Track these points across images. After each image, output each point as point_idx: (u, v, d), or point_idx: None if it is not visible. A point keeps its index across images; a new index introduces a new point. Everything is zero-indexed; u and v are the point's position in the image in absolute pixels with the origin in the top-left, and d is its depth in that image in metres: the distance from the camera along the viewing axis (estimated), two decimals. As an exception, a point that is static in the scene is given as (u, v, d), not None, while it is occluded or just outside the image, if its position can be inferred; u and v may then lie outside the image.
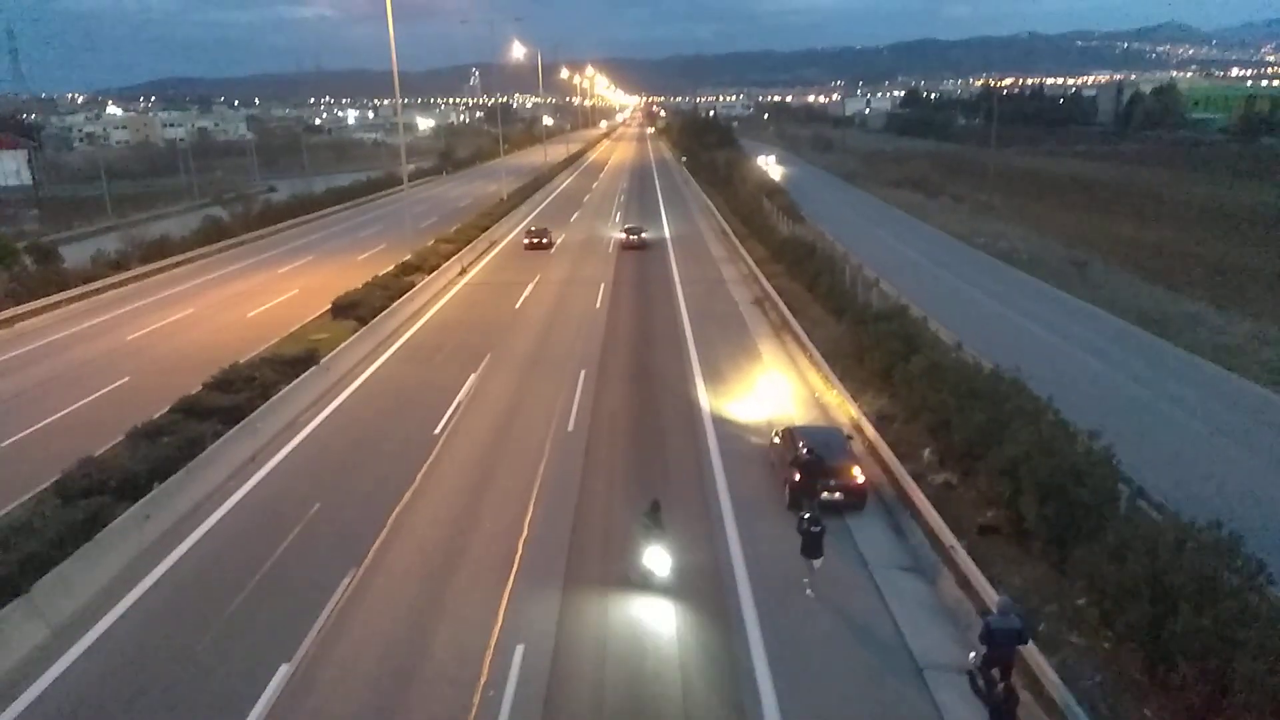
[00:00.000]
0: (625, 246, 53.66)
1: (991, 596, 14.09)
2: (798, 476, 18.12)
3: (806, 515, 15.83)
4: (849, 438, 20.86)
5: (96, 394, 27.87)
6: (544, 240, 54.97)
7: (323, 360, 28.31)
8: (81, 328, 37.28)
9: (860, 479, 18.77)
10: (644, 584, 15.79)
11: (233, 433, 22.00)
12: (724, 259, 49.77)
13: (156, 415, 22.98)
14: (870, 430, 22.13)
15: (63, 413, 26.22)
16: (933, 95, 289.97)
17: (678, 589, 15.75)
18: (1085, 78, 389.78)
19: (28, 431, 24.77)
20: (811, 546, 15.69)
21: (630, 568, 16.20)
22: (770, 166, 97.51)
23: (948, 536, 16.56)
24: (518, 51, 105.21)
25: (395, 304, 36.40)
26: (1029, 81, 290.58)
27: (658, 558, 15.74)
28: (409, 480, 20.62)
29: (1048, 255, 50.04)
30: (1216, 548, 13.52)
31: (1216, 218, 63.99)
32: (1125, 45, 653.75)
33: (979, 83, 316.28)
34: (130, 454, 20.37)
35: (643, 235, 54.74)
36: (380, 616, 15.21)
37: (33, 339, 35.71)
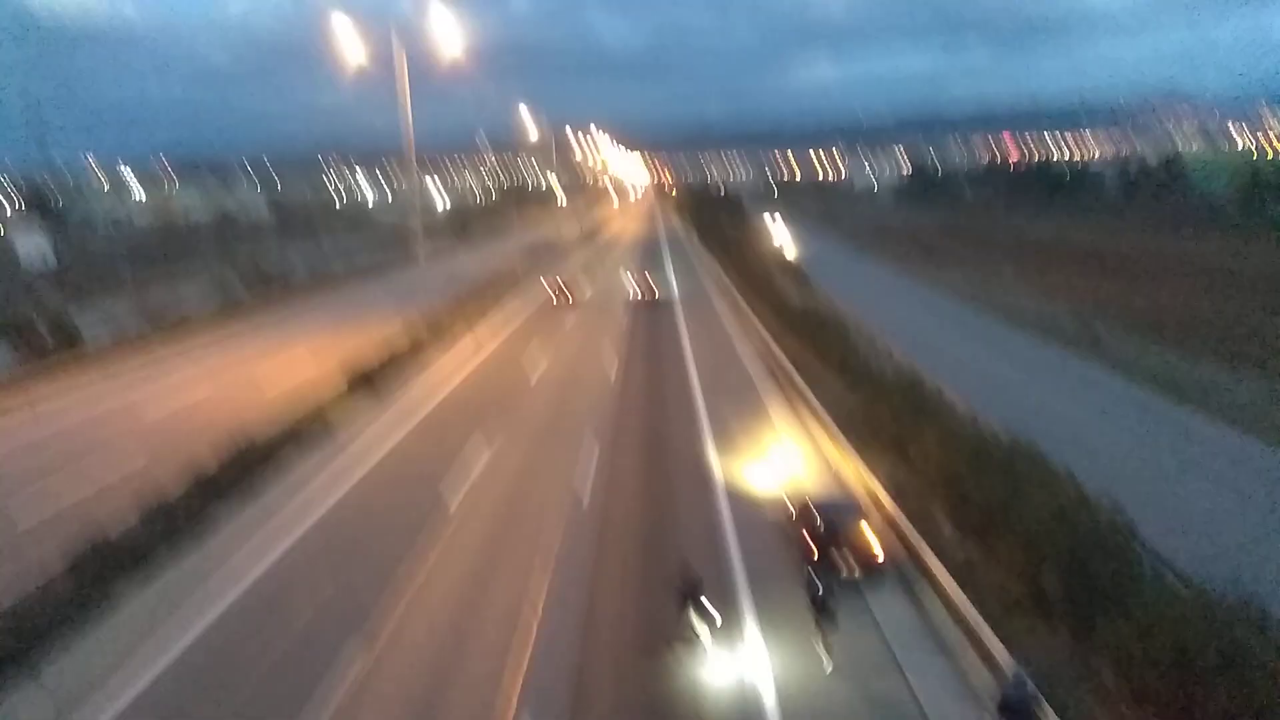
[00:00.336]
0: (640, 303, 58.40)
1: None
2: (814, 548, 17.89)
3: (816, 579, 15.78)
4: (865, 509, 20.64)
5: (111, 470, 27.90)
6: (568, 292, 61.20)
7: (335, 431, 28.40)
8: (98, 403, 37.58)
9: (878, 552, 18.51)
10: (688, 650, 15.43)
11: (244, 507, 21.99)
12: (735, 329, 49.95)
13: (170, 491, 22.97)
14: (886, 500, 21.88)
15: (77, 489, 26.22)
16: (939, 166, 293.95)
17: (692, 659, 15.47)
18: (1090, 145, 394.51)
19: (42, 508, 24.74)
20: (823, 611, 15.58)
21: (675, 636, 15.84)
22: (785, 242, 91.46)
23: (969, 610, 16.24)
24: (531, 128, 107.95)
25: (409, 375, 36.63)
26: (1034, 150, 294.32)
27: (700, 623, 15.47)
28: (422, 554, 20.45)
29: (1059, 320, 50.11)
30: (1244, 618, 13.23)
31: (1227, 282, 64.07)
32: (1129, 113, 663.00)
33: (985, 151, 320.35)
34: (144, 531, 20.33)
35: (655, 292, 59.70)
36: (390, 693, 14.96)
37: (49, 414, 35.98)
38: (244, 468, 24.86)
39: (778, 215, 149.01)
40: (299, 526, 22.51)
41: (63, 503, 24.86)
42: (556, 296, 60.20)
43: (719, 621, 15.63)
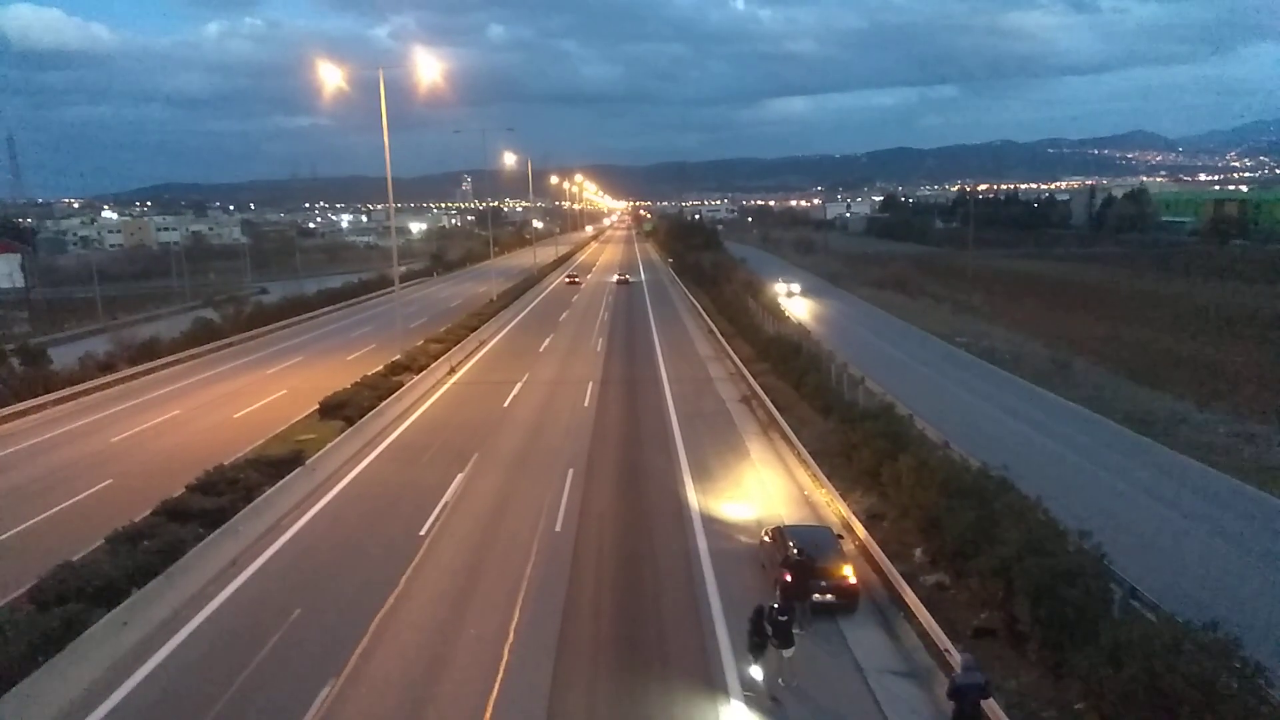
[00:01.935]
0: (619, 283, 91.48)
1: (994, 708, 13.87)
2: (788, 577, 17.88)
3: (774, 605, 15.72)
4: (839, 537, 20.72)
5: (78, 497, 27.48)
6: (578, 280, 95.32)
7: (308, 461, 28.09)
8: (66, 430, 37.00)
9: (852, 579, 18.56)
10: (750, 692, 15.42)
11: (214, 536, 21.64)
12: (711, 357, 50.17)
13: (138, 519, 22.63)
14: (860, 529, 22.00)
15: (43, 517, 25.80)
16: (910, 200, 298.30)
17: (668, 691, 15.37)
18: (1058, 183, 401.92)
19: (5, 536, 24.29)
20: (780, 636, 15.50)
21: (740, 678, 15.84)
22: (793, 299, 76.66)
23: (942, 640, 16.29)
24: (509, 159, 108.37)
25: (383, 404, 36.35)
26: (1003, 187, 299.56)
27: (765, 667, 15.44)
28: (393, 584, 20.24)
29: (1029, 354, 50.69)
30: (1214, 649, 13.33)
31: (1193, 317, 65.17)
32: (1096, 152, 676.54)
33: (955, 188, 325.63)
34: (109, 559, 19.97)
35: (628, 279, 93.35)
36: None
37: (17, 441, 35.36)
38: (212, 489, 24.56)
39: (752, 247, 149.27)
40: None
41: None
42: (571, 281, 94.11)
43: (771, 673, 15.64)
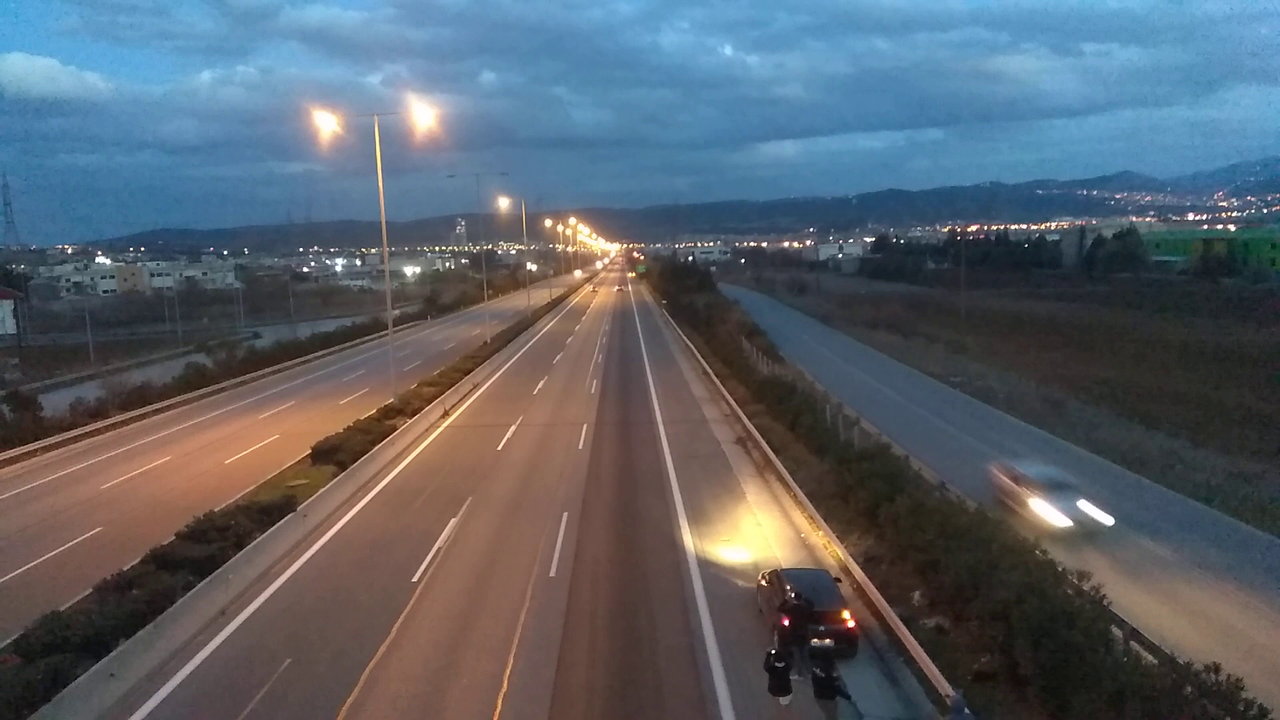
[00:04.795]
0: (619, 292, 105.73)
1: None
2: (786, 622, 17.65)
3: (772, 651, 15.48)
4: (837, 580, 20.51)
5: (67, 545, 27.14)
6: (594, 289, 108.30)
7: (300, 507, 27.84)
8: (56, 477, 36.67)
9: (851, 623, 18.33)
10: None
11: (203, 585, 21.34)
12: (705, 399, 50.12)
13: (127, 567, 22.39)
14: (858, 572, 21.79)
15: (31, 565, 25.46)
16: (902, 241, 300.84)
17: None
18: (1048, 224, 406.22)
19: (-9, 585, 23.97)
20: (778, 684, 15.25)
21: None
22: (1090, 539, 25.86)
23: (943, 685, 16.05)
24: (502, 202, 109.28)
25: (376, 448, 36.15)
26: (994, 228, 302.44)
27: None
28: (385, 632, 19.95)
29: (1024, 394, 50.70)
30: (1217, 692, 13.19)
31: (1186, 356, 65.44)
32: (1085, 193, 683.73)
33: (946, 229, 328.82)
34: (97, 608, 19.71)
35: (624, 288, 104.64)
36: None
37: (6, 489, 35.02)
38: (202, 536, 24.28)
39: (744, 288, 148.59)
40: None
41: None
42: (595, 288, 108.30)
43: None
